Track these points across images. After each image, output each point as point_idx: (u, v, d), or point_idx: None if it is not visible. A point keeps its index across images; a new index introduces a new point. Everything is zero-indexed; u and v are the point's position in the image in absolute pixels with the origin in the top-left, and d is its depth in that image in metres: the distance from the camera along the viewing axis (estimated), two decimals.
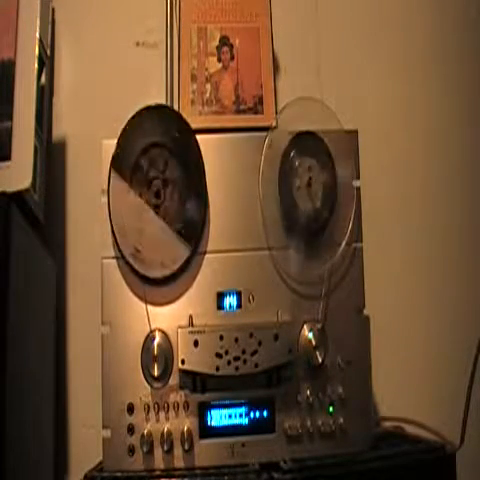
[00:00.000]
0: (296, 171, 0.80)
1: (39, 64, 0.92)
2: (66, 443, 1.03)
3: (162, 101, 1.06)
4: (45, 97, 1.03)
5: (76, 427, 1.04)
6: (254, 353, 0.75)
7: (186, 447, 0.75)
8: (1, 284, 0.70)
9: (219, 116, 1.05)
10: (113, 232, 0.77)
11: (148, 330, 0.77)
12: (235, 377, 0.75)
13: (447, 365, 1.09)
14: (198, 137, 0.79)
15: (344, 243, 0.80)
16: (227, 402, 0.77)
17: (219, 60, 1.08)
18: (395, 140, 1.15)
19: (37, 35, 0.93)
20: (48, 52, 1.03)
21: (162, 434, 0.75)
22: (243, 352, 0.75)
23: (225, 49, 1.08)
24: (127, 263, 0.77)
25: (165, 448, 0.75)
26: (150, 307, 0.78)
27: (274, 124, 0.83)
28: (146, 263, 0.77)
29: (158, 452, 0.75)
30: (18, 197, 0.85)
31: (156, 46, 1.13)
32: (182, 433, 0.76)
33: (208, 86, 1.06)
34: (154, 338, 0.77)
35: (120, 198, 0.77)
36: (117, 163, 0.78)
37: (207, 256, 0.79)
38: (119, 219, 0.77)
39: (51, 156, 1.07)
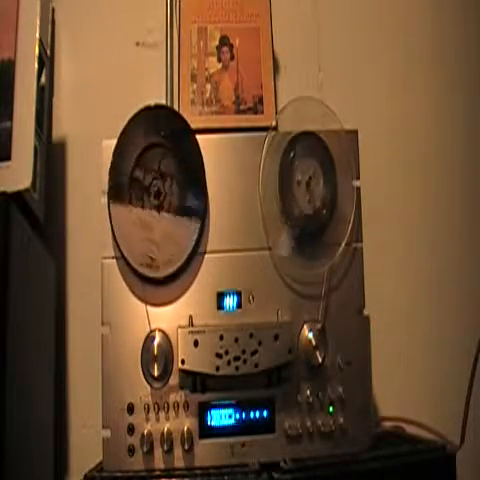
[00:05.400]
0: (296, 171, 0.80)
1: (39, 64, 0.92)
2: (66, 443, 1.03)
3: (162, 101, 1.06)
4: (45, 97, 1.03)
5: (76, 427, 1.04)
6: (254, 353, 0.75)
7: (186, 447, 0.75)
8: (1, 284, 0.70)
9: (219, 116, 1.05)
10: (114, 235, 0.77)
11: (148, 330, 0.77)
12: (235, 377, 0.75)
13: (447, 365, 1.09)
14: (198, 137, 0.79)
15: (344, 243, 0.80)
16: (227, 402, 0.77)
17: (219, 60, 1.08)
18: (395, 140, 1.15)
19: (37, 35, 0.93)
20: (48, 52, 1.03)
21: (162, 434, 0.75)
22: (243, 352, 0.75)
23: (225, 49, 1.08)
24: (127, 263, 0.77)
25: (165, 448, 0.75)
26: (150, 307, 0.78)
27: (274, 124, 0.83)
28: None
29: (158, 452, 0.75)
30: (18, 197, 0.85)
31: (156, 46, 1.13)
32: (182, 433, 0.76)
33: (208, 86, 1.06)
34: (154, 338, 0.77)
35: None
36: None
37: (207, 256, 0.79)
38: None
39: (51, 156, 1.07)
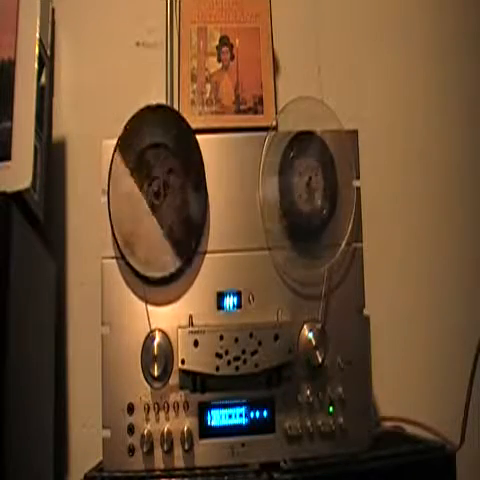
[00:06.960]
0: (296, 171, 0.80)
1: (39, 64, 0.92)
2: (66, 443, 1.03)
3: (162, 101, 1.06)
4: (45, 97, 1.03)
5: (76, 427, 1.04)
6: (254, 353, 0.75)
7: (186, 447, 0.75)
8: (1, 284, 0.70)
9: (219, 116, 1.05)
10: (113, 233, 0.77)
11: (148, 330, 0.77)
12: (235, 377, 0.75)
13: (447, 365, 1.09)
14: (198, 137, 0.79)
15: (344, 243, 0.80)
16: (227, 402, 0.77)
17: (219, 60, 1.08)
18: (395, 140, 1.15)
19: (37, 35, 0.93)
20: (48, 52, 1.03)
21: (162, 434, 0.75)
22: (243, 352, 0.75)
23: (225, 49, 1.08)
24: (127, 263, 0.77)
25: (165, 448, 0.75)
26: (150, 307, 0.78)
27: (274, 124, 0.83)
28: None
29: (158, 452, 0.75)
30: (18, 197, 0.85)
31: (156, 46, 1.13)
32: (182, 433, 0.76)
33: (208, 86, 1.06)
34: (154, 338, 0.77)
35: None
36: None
37: (207, 256, 0.79)
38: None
39: (51, 156, 1.07)
